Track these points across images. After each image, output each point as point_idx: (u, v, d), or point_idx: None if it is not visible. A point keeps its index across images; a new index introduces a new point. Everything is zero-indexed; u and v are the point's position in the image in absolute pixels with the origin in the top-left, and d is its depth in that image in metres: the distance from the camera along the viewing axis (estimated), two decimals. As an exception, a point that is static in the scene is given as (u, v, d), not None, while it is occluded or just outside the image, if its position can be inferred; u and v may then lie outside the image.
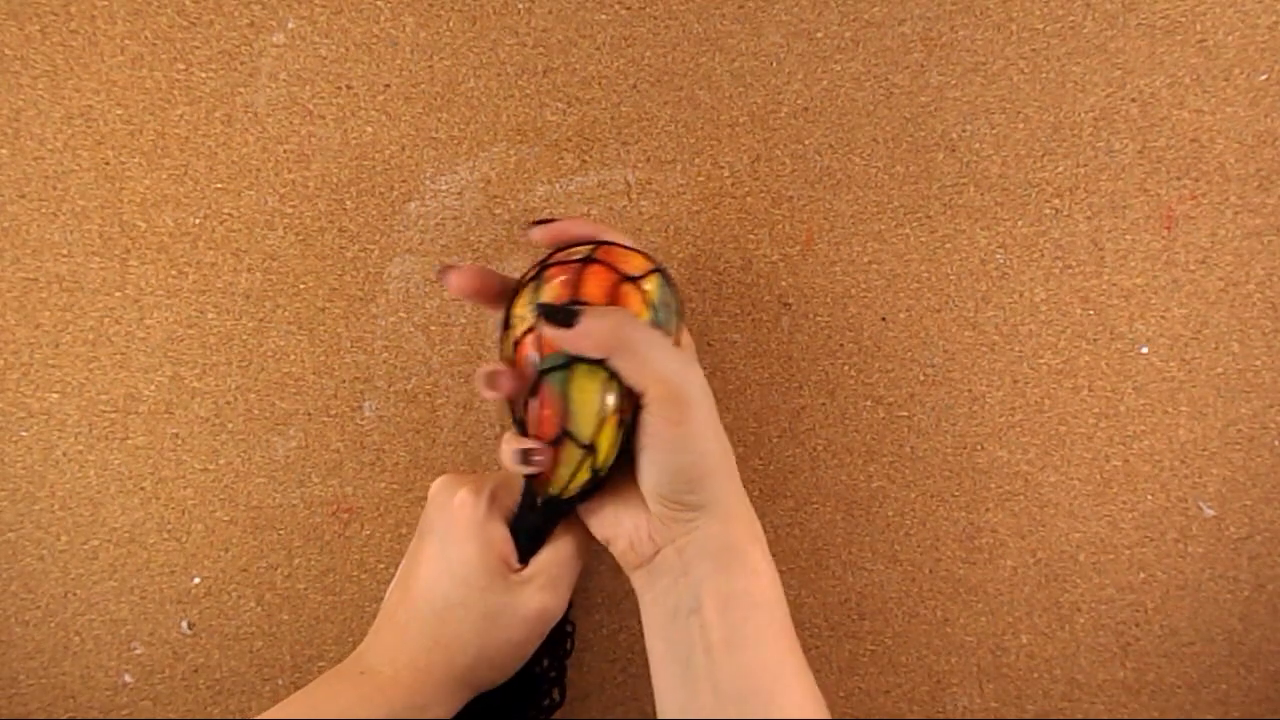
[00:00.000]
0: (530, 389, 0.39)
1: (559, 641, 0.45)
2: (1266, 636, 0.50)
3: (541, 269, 0.40)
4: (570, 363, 0.38)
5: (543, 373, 0.39)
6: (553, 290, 0.39)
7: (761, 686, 0.35)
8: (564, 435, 0.39)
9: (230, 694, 0.50)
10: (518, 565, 0.41)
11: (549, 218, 0.45)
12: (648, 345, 0.37)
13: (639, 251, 0.41)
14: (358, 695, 0.38)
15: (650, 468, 0.38)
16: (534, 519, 0.41)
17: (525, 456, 0.38)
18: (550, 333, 0.37)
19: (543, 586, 0.40)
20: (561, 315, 0.37)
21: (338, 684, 0.39)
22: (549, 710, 0.44)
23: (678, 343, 0.41)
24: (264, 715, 0.38)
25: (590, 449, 0.39)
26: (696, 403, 0.37)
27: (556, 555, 0.41)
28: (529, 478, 0.41)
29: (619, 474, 0.40)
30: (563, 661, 0.45)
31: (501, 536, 0.40)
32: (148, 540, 0.50)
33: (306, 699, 0.38)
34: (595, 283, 0.39)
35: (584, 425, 0.38)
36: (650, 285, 0.40)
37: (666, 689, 0.37)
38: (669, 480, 0.37)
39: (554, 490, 0.40)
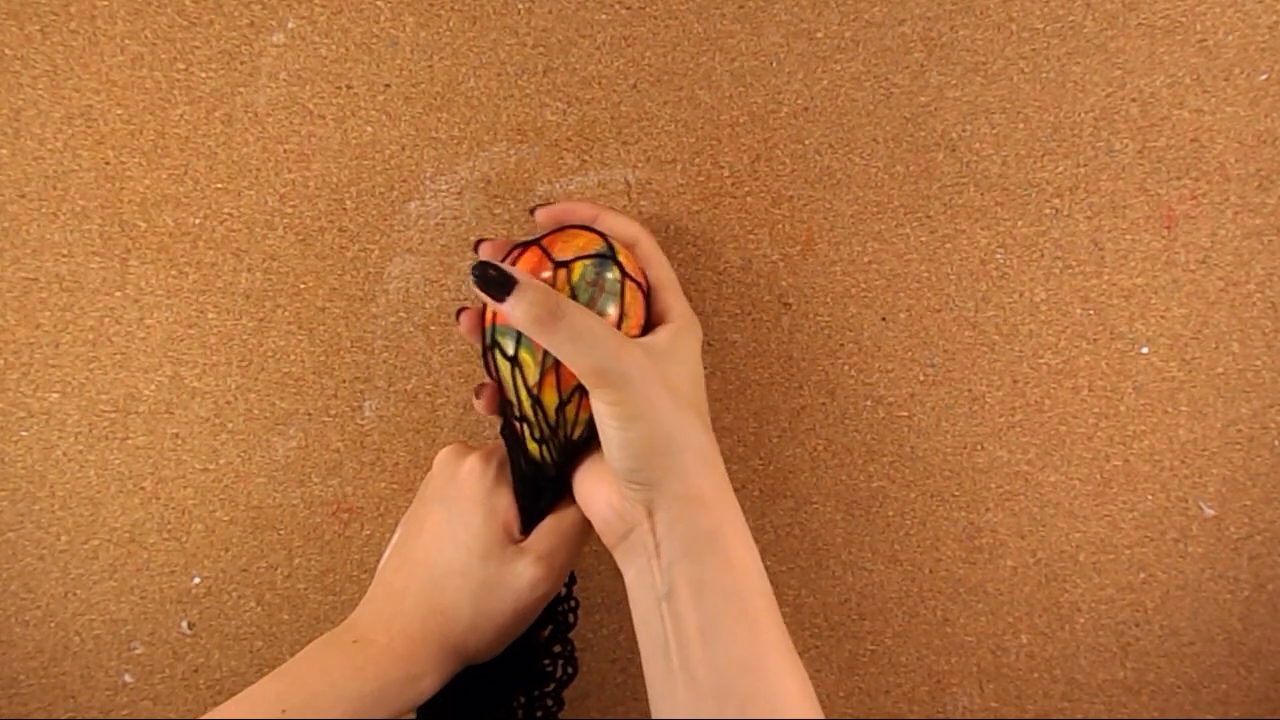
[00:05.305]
0: (484, 361, 0.41)
1: (561, 616, 0.45)
2: (1267, 636, 0.50)
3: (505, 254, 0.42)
4: (493, 343, 0.40)
5: (486, 348, 0.41)
6: None
7: (741, 681, 0.34)
8: (504, 405, 0.41)
9: (230, 694, 0.50)
10: (519, 536, 0.41)
11: (548, 201, 0.46)
12: (572, 325, 0.36)
13: (595, 233, 0.41)
14: (350, 666, 0.38)
15: (603, 444, 0.38)
16: (522, 488, 0.42)
17: (476, 393, 0.42)
18: (482, 297, 0.38)
19: (537, 559, 0.40)
20: (490, 281, 0.37)
21: (328, 653, 0.38)
22: (561, 683, 0.44)
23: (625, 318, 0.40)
24: (254, 686, 0.38)
25: (523, 420, 0.40)
26: (631, 382, 0.36)
27: (554, 528, 0.41)
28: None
29: (598, 449, 0.40)
30: (566, 634, 0.45)
31: (506, 504, 0.41)
32: (148, 540, 0.50)
33: (295, 669, 0.38)
34: (523, 269, 0.40)
35: (511, 399, 0.41)
36: (576, 270, 0.39)
37: (650, 679, 0.37)
38: (616, 455, 0.37)
39: (522, 459, 0.41)
